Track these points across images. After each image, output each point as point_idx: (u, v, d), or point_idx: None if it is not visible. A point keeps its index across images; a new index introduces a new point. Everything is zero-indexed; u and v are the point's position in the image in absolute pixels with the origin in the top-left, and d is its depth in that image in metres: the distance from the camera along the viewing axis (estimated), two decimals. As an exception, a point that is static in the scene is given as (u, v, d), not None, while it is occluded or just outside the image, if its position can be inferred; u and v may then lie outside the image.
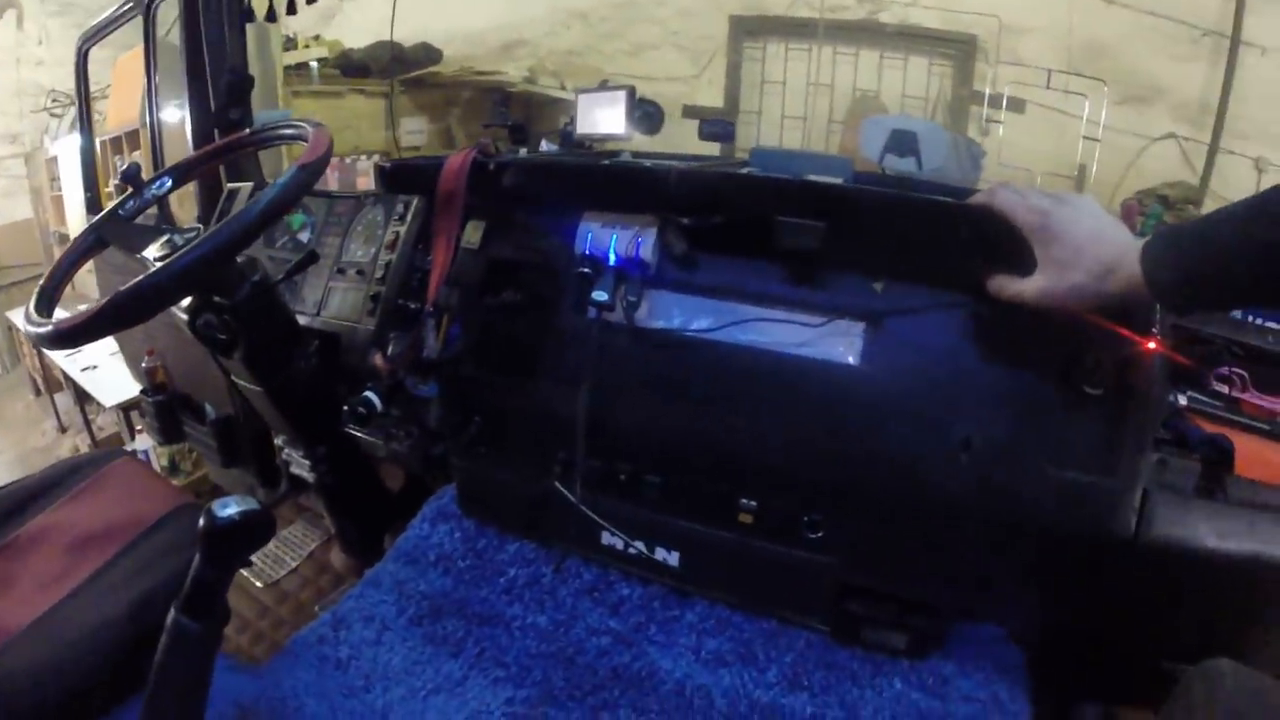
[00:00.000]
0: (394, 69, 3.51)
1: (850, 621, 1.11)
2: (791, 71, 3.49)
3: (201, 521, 0.77)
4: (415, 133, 3.40)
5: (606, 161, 1.21)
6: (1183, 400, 1.00)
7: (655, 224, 1.09)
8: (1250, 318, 1.12)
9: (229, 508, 0.77)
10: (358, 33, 3.72)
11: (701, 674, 1.11)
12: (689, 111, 3.35)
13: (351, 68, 3.44)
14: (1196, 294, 0.70)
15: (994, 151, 3.26)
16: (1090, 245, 0.76)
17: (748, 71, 3.56)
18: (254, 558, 1.61)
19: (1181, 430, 0.96)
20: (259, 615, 1.74)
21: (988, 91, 3.05)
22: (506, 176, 1.18)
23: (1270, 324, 1.10)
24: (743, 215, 1.06)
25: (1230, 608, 0.98)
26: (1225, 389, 1.03)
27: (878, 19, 3.54)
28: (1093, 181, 3.17)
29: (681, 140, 1.79)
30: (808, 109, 3.43)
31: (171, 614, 0.79)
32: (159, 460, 2.72)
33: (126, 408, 3.04)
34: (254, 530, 0.79)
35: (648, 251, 1.07)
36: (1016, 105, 3.39)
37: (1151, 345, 0.88)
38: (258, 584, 1.78)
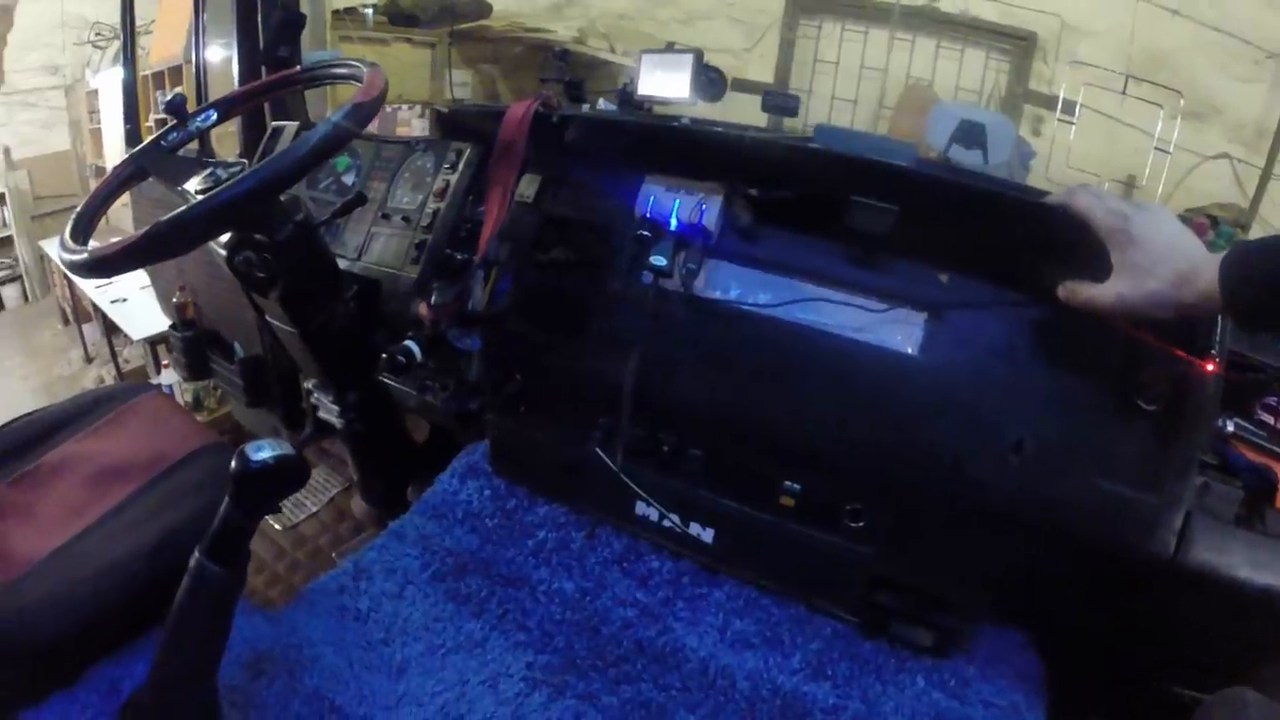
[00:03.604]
0: (443, 19, 3.47)
1: (879, 614, 1.10)
2: (845, 53, 3.42)
3: (234, 464, 0.75)
4: (460, 85, 3.37)
5: (676, 124, 1.17)
6: (1229, 426, 0.99)
7: (721, 192, 1.06)
8: None
9: (262, 451, 0.75)
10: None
11: (726, 654, 1.10)
12: (738, 85, 3.29)
13: (400, 16, 3.39)
14: (1271, 310, 0.69)
15: (1044, 152, 3.20)
16: (1168, 253, 0.75)
17: (801, 49, 3.50)
18: (276, 500, 1.62)
19: (1227, 456, 0.96)
20: (276, 558, 1.74)
21: (1061, 95, 2.97)
22: (569, 131, 1.15)
23: None
24: (813, 191, 1.04)
25: (1257, 640, 0.98)
26: (1270, 419, 1.02)
27: (937, 6, 3.46)
28: (1146, 194, 3.09)
29: (731, 114, 1.75)
30: (859, 92, 3.37)
31: (195, 556, 0.78)
32: (183, 395, 2.73)
33: (154, 342, 3.06)
34: (287, 475, 0.78)
35: (711, 219, 1.05)
36: (1069, 108, 3.31)
37: (1209, 366, 0.86)
38: (276, 526, 1.78)
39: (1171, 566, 0.89)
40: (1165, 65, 3.33)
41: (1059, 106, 2.95)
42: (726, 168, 1.08)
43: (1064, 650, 1.11)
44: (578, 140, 1.16)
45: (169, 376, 2.85)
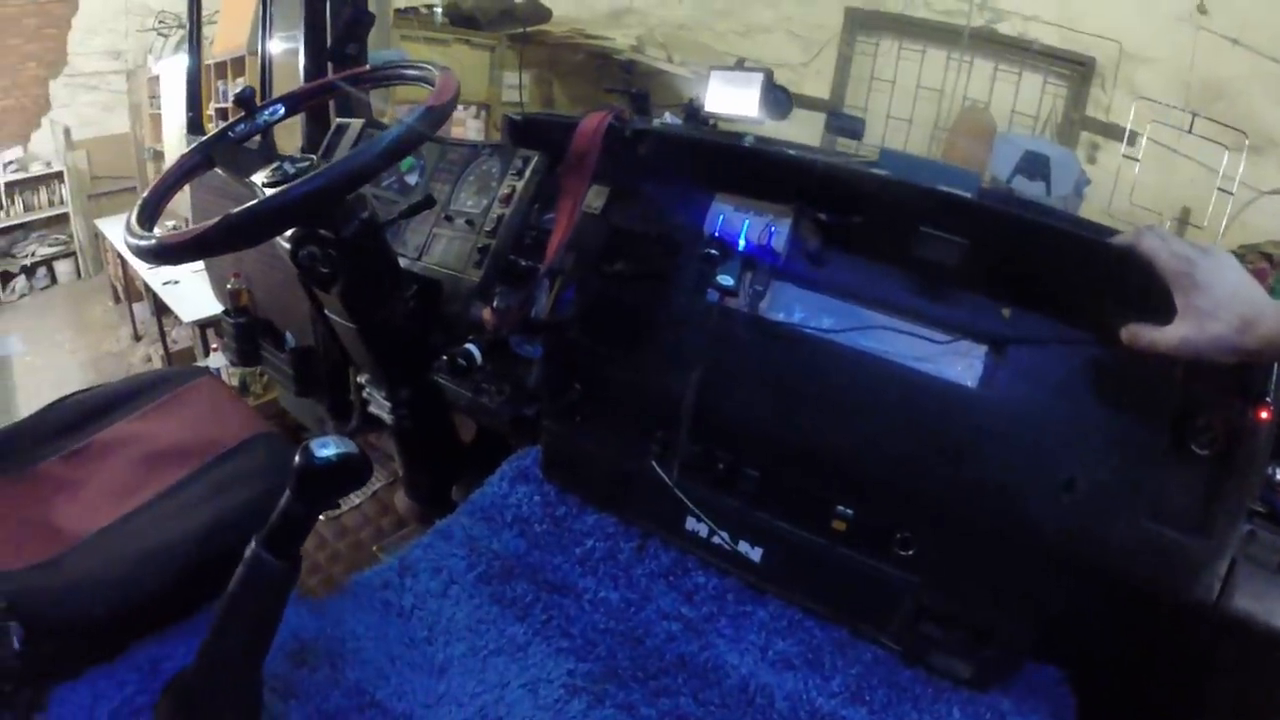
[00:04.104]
0: (502, 22, 3.51)
1: (921, 643, 1.09)
2: (902, 72, 3.40)
3: (297, 458, 0.76)
4: (517, 88, 3.40)
5: (748, 143, 1.17)
6: (1277, 474, 0.97)
7: (790, 215, 1.06)
8: None
9: (328, 448, 0.76)
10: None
11: (766, 673, 1.09)
12: (794, 101, 3.27)
13: (460, 17, 3.44)
14: None
15: (1097, 179, 3.15)
16: (1232, 298, 0.76)
17: (857, 66, 3.49)
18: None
19: (1275, 504, 0.94)
20: (317, 547, 1.76)
21: (1128, 130, 2.92)
22: (643, 145, 1.16)
23: None
24: (882, 219, 1.04)
25: None
26: None
27: (996, 29, 3.43)
28: (1207, 233, 3.03)
29: (785, 128, 1.75)
30: (914, 112, 3.35)
31: (252, 546, 0.79)
32: (229, 380, 2.79)
33: (203, 325, 3.12)
34: (350, 473, 0.78)
35: (780, 242, 1.05)
36: (1133, 142, 3.26)
37: (1264, 414, 0.86)
38: (319, 516, 1.81)
39: (1213, 612, 0.89)
40: (1224, 95, 3.27)
41: (1124, 140, 2.90)
42: (795, 190, 1.08)
43: (1100, 690, 1.10)
44: (650, 155, 1.17)
45: (217, 360, 2.91)
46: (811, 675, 1.10)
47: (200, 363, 3.11)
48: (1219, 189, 2.78)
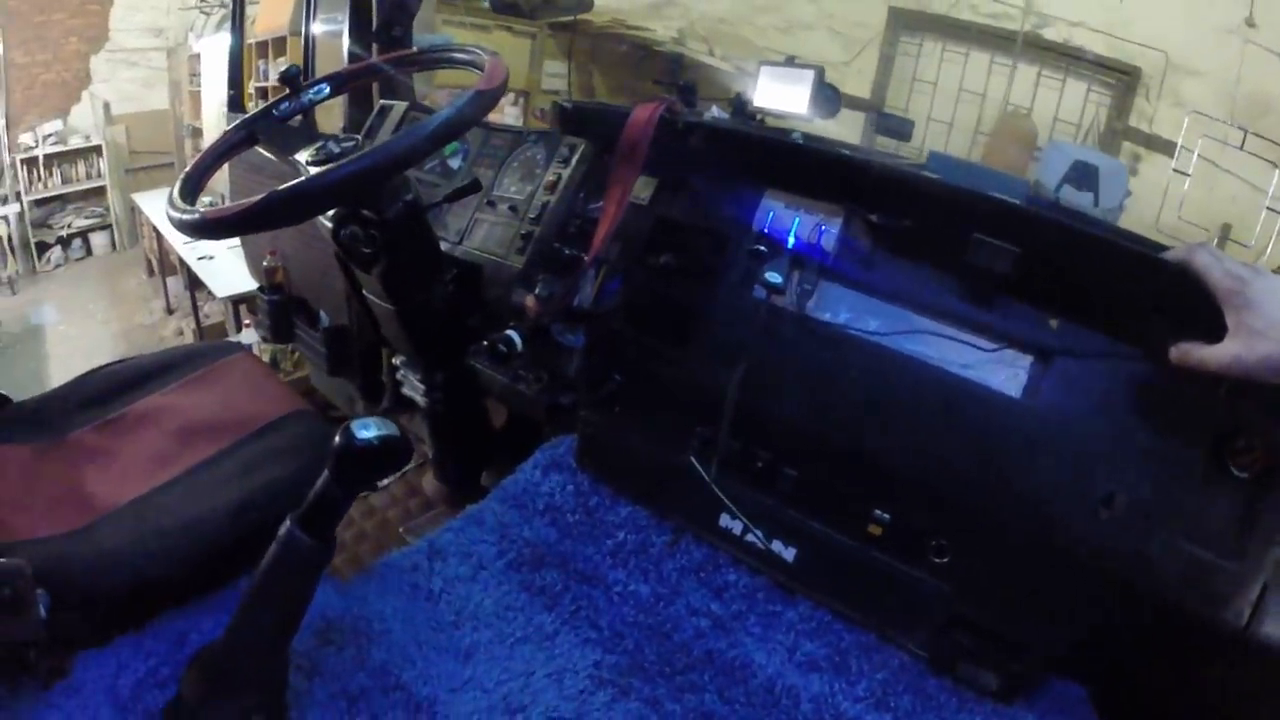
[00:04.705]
0: (545, 10, 3.51)
1: (950, 652, 1.08)
2: (944, 74, 3.37)
3: (338, 439, 0.75)
4: (556, 76, 3.40)
5: (800, 141, 1.17)
6: None
7: (840, 214, 1.06)
8: None
9: (369, 430, 0.75)
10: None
11: (793, 674, 1.09)
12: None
13: (503, 4, 3.44)
14: None
15: (1139, 192, 3.10)
16: None
17: (899, 66, 3.46)
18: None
19: None
20: (344, 526, 1.77)
21: (1179, 146, 2.87)
22: (694, 138, 1.16)
23: None
24: (935, 223, 1.03)
25: None
26: None
27: (1041, 34, 3.38)
28: (1242, 247, 2.98)
29: (828, 126, 1.74)
30: (955, 115, 3.31)
31: (287, 525, 0.78)
32: (262, 357, 2.81)
33: (236, 301, 3.16)
34: (390, 456, 0.77)
35: (830, 241, 1.05)
36: (1170, 148, 3.21)
37: None
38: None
39: (1242, 637, 0.88)
40: (1271, 110, 3.21)
41: (1175, 155, 2.85)
42: (845, 189, 1.07)
43: (1122, 710, 1.09)
44: (701, 148, 1.16)
45: (249, 336, 2.94)
46: (837, 678, 1.09)
47: (232, 338, 3.15)
48: (1268, 208, 2.73)
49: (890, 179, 1.07)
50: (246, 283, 2.45)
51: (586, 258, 1.16)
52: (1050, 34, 3.42)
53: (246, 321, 3.08)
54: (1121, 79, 3.39)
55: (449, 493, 1.69)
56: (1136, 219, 2.85)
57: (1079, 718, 1.07)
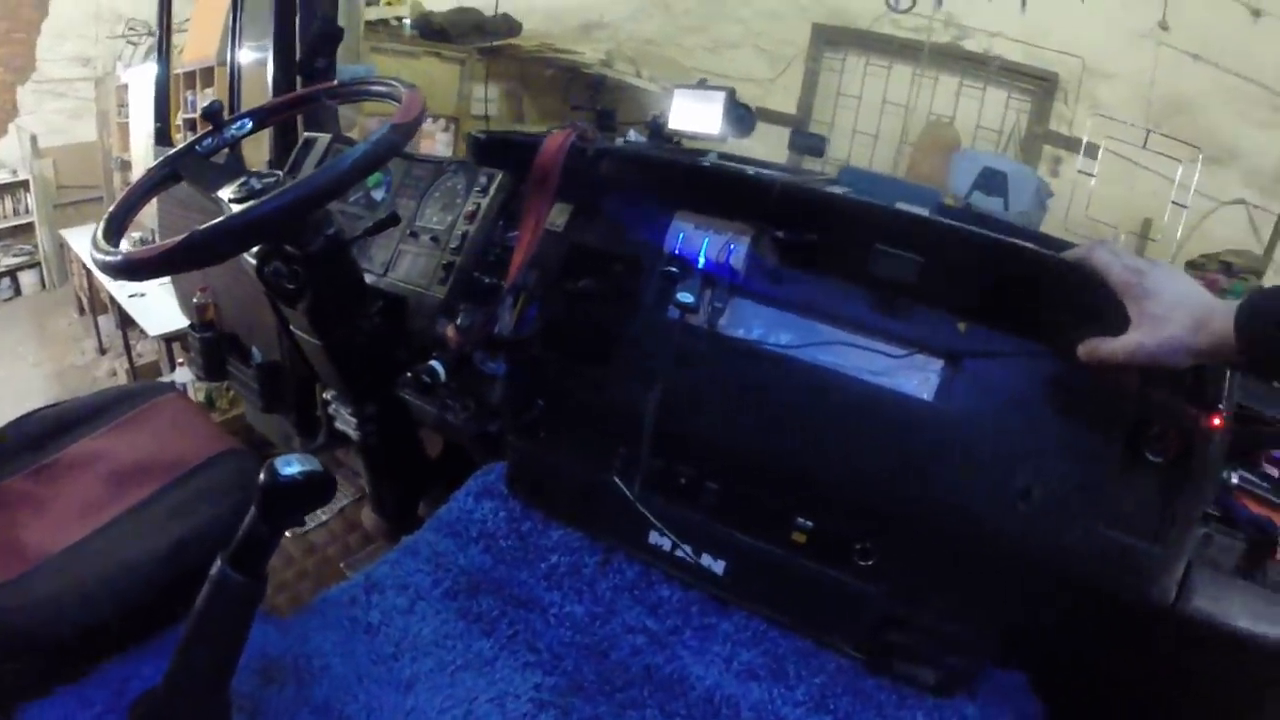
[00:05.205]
0: (472, 36, 3.52)
1: (885, 651, 1.10)
2: (868, 87, 3.45)
3: (262, 477, 0.76)
4: (485, 101, 3.40)
5: (707, 163, 1.19)
6: (1234, 478, 1.00)
7: (749, 233, 1.08)
8: None
9: (291, 466, 0.76)
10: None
11: (731, 684, 1.10)
12: (761, 114, 3.31)
13: (430, 30, 3.44)
14: None
15: (1065, 195, 3.22)
16: (1183, 301, 0.77)
17: (824, 81, 3.54)
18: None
19: (1230, 508, 0.97)
20: (284, 565, 1.75)
21: (1084, 140, 2.99)
22: (604, 164, 1.17)
23: None
24: (840, 237, 1.06)
25: (1255, 690, 0.99)
26: (1276, 472, 1.03)
27: (961, 45, 3.49)
28: (1162, 240, 3.11)
29: (754, 144, 1.77)
30: (879, 127, 3.40)
31: (218, 564, 0.79)
32: (195, 395, 2.76)
33: (169, 339, 3.08)
34: (314, 491, 0.78)
35: (739, 259, 1.06)
36: (1091, 152, 3.33)
37: (1216, 420, 0.88)
38: (286, 534, 1.79)
39: (1171, 615, 0.90)
40: (1185, 110, 3.36)
41: (1080, 152, 2.97)
42: (755, 209, 1.09)
43: (1067, 693, 1.12)
44: (611, 173, 1.18)
45: (182, 375, 2.88)
46: (776, 685, 1.10)
47: (165, 377, 3.07)
48: (1173, 201, 2.85)
49: (796, 196, 1.09)
50: (179, 320, 2.39)
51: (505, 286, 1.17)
52: (970, 45, 3.54)
53: (180, 360, 3.01)
54: (1040, 85, 3.51)
55: (388, 526, 1.68)
56: (1058, 220, 2.96)
57: (1021, 705, 1.09)
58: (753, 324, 1.09)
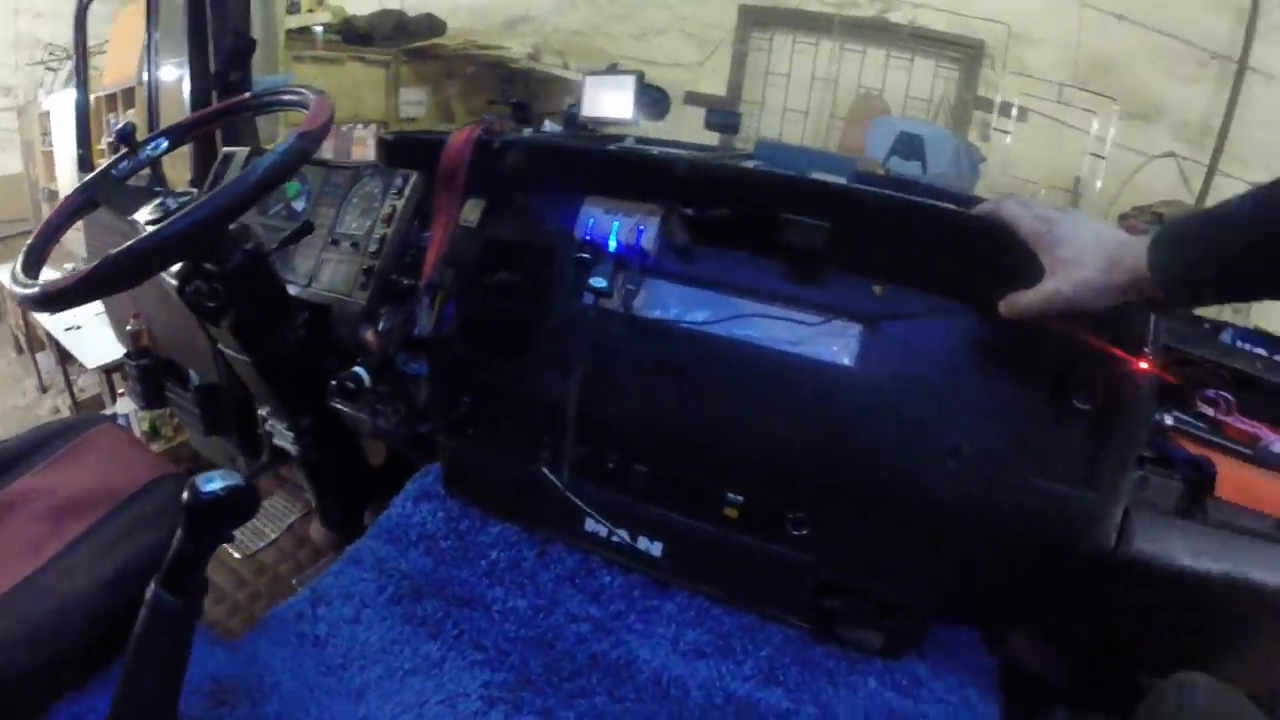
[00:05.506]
0: (396, 38, 3.47)
1: (828, 619, 1.12)
2: (797, 65, 3.48)
3: (185, 495, 0.76)
4: (415, 103, 3.36)
5: (612, 147, 1.19)
6: (1168, 420, 1.01)
7: (658, 213, 1.08)
8: (1238, 342, 1.15)
9: (213, 482, 0.76)
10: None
11: (678, 664, 1.11)
12: (691, 98, 3.34)
13: (354, 35, 3.38)
14: (1199, 284, 0.70)
15: (994, 159, 3.28)
16: (1095, 242, 0.77)
17: (753, 62, 3.55)
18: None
19: (1165, 449, 0.97)
20: (236, 587, 1.72)
21: (998, 99, 3.05)
22: (510, 157, 1.17)
23: (1258, 350, 1.12)
24: (747, 210, 1.06)
25: (1203, 624, 1.00)
26: (1210, 411, 1.05)
27: (887, 18, 3.53)
28: (1092, 195, 3.18)
29: (683, 127, 1.77)
30: (810, 103, 3.42)
31: (151, 588, 0.78)
32: (139, 425, 2.69)
33: (109, 370, 3.00)
34: (237, 506, 0.78)
35: (649, 240, 1.07)
36: (1021, 115, 3.39)
37: (1143, 364, 0.88)
38: (236, 555, 1.77)
39: (1113, 560, 0.91)
40: (1112, 70, 3.43)
41: (1013, 114, 3.02)
42: (664, 189, 1.09)
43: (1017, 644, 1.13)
44: (518, 165, 1.17)
45: (125, 405, 2.80)
46: (723, 662, 1.11)
47: (109, 409, 2.99)
48: (1091, 153, 2.92)
49: (701, 172, 1.09)
50: (118, 350, 2.34)
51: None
52: (896, 17, 3.58)
53: (121, 390, 2.93)
54: (966, 53, 3.56)
55: (336, 538, 1.66)
56: (988, 184, 3.02)
57: (972, 660, 1.11)
58: (668, 303, 1.10)
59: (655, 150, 1.12)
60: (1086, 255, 0.77)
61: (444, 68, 3.49)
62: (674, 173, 1.06)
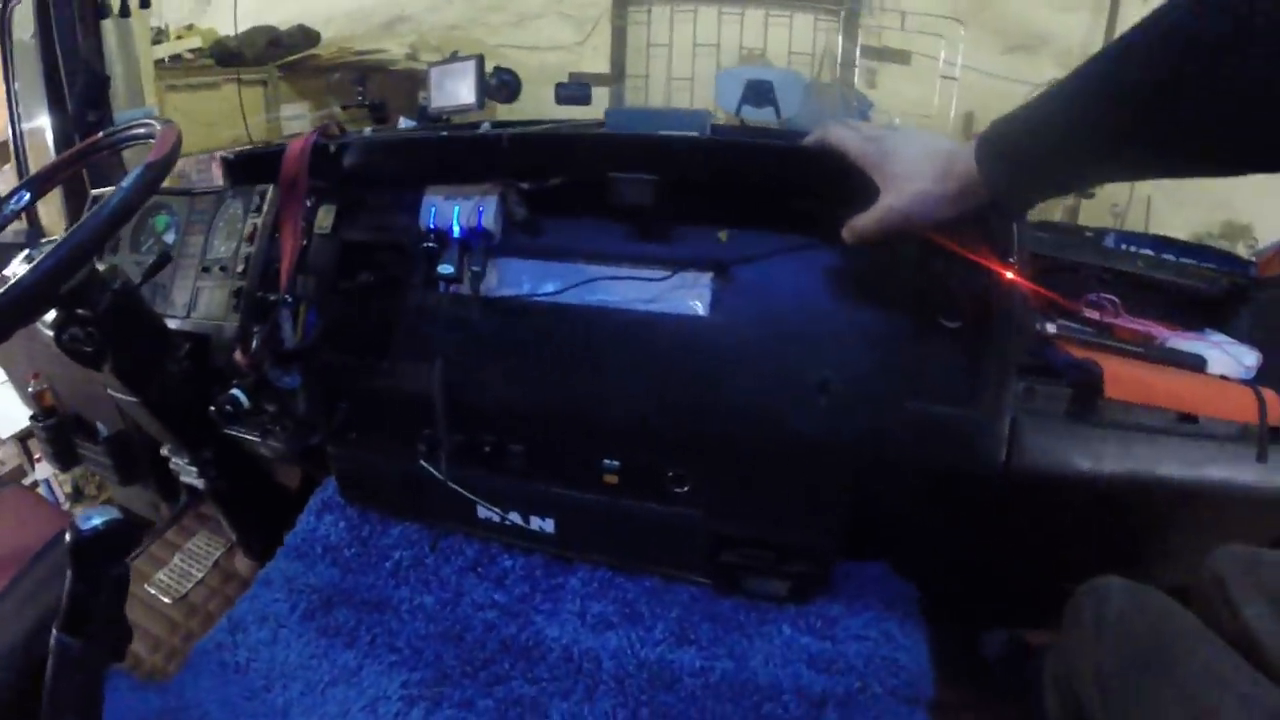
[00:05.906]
0: (270, 54, 3.39)
1: (729, 572, 1.12)
2: (677, 34, 3.48)
3: (67, 537, 0.77)
4: (297, 118, 3.29)
5: (446, 133, 1.19)
6: (1051, 328, 1.00)
7: (495, 192, 1.08)
8: (1122, 245, 1.13)
9: (91, 519, 0.77)
10: (238, 19, 3.57)
11: (588, 638, 1.13)
12: (575, 78, 3.29)
13: (226, 56, 3.30)
14: (1028, 179, 0.67)
15: (885, 104, 3.33)
16: (924, 154, 0.75)
17: (634, 35, 3.54)
18: (161, 574, 1.61)
19: (1048, 358, 0.96)
20: (170, 632, 1.69)
21: (859, 44, 3.08)
22: (347, 158, 1.16)
23: (1144, 250, 1.11)
24: (577, 175, 1.06)
25: (1112, 527, 1.01)
26: (1097, 315, 1.04)
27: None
28: (976, 127, 3.25)
29: (574, 110, 1.77)
30: (694, 70, 3.43)
31: (54, 634, 0.79)
32: (62, 488, 2.62)
33: (23, 437, 2.90)
34: (118, 538, 0.79)
35: (489, 220, 1.07)
36: (902, 57, 3.44)
37: (1008, 274, 0.88)
38: (166, 600, 1.74)
39: (1007, 474, 0.91)
40: (991, 4, 3.51)
41: (869, 58, 3.06)
42: (496, 167, 1.09)
43: (932, 570, 1.15)
44: (356, 165, 1.17)
45: (44, 470, 2.72)
46: (633, 629, 1.13)
47: (30, 477, 2.89)
48: (942, 76, 2.97)
49: (528, 145, 1.08)
50: (27, 415, 2.27)
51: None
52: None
53: (38, 456, 2.84)
54: (843, 3, 3.58)
55: (260, 566, 1.65)
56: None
57: (886, 593, 1.13)
58: (520, 279, 1.11)
59: (482, 128, 1.12)
60: (917, 167, 0.75)
61: (322, 79, 3.42)
62: (499, 148, 1.05)
